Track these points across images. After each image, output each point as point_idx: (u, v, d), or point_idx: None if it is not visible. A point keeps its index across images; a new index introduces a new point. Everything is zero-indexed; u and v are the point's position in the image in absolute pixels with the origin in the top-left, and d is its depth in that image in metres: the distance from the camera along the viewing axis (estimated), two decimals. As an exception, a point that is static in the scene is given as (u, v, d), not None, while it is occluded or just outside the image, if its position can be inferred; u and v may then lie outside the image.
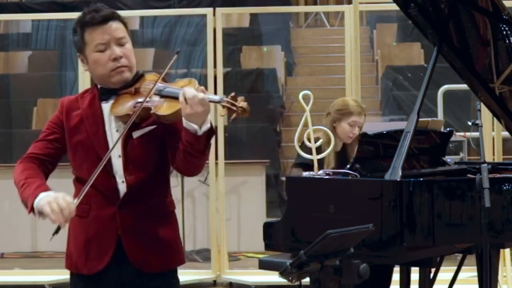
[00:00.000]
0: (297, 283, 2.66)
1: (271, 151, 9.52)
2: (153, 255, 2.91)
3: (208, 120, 2.76)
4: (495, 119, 4.27)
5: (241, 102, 2.72)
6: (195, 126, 2.72)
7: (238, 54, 10.87)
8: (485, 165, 3.25)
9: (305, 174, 3.76)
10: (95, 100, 2.94)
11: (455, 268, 4.19)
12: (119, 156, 2.89)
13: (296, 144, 4.14)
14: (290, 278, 2.55)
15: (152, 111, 2.81)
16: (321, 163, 4.34)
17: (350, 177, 3.49)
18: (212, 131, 2.78)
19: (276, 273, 2.60)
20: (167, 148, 2.91)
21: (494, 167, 4.04)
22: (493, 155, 6.53)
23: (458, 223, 3.30)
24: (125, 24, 2.93)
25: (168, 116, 2.80)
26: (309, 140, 4.08)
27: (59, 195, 2.71)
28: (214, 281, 6.88)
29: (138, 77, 2.93)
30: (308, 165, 4.21)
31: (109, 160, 2.85)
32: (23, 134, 9.51)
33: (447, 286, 4.19)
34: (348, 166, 3.59)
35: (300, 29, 12.71)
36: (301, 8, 12.64)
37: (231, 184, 7.74)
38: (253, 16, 11.35)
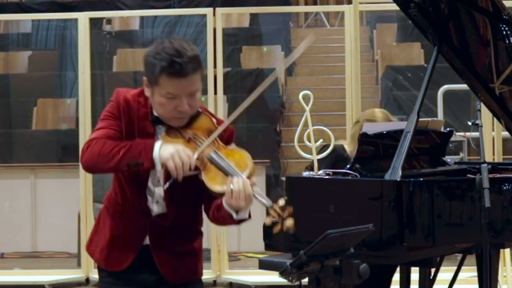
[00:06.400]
0: (297, 283, 2.66)
1: (271, 151, 9.50)
2: (180, 268, 2.89)
3: (247, 210, 2.70)
4: (495, 119, 4.27)
5: (289, 220, 2.56)
6: (233, 212, 2.69)
7: (238, 54, 10.85)
8: (485, 165, 3.25)
9: (305, 174, 3.76)
10: (147, 115, 2.82)
11: (455, 268, 4.19)
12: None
13: (296, 144, 4.14)
14: (290, 278, 2.55)
15: (201, 177, 2.70)
16: None
17: (350, 177, 3.49)
18: (247, 219, 2.74)
19: (276, 273, 2.61)
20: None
21: (494, 167, 4.04)
22: (493, 155, 6.52)
23: (458, 223, 3.30)
24: (202, 70, 2.77)
25: (214, 193, 2.69)
26: (309, 140, 4.08)
27: (179, 148, 2.66)
28: (214, 281, 6.88)
29: (194, 116, 2.81)
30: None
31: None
32: (23, 134, 9.51)
33: (447, 286, 4.19)
34: (348, 166, 3.59)
35: (300, 29, 12.69)
36: (301, 8, 12.61)
37: (231, 184, 7.72)
38: (253, 16, 11.34)
